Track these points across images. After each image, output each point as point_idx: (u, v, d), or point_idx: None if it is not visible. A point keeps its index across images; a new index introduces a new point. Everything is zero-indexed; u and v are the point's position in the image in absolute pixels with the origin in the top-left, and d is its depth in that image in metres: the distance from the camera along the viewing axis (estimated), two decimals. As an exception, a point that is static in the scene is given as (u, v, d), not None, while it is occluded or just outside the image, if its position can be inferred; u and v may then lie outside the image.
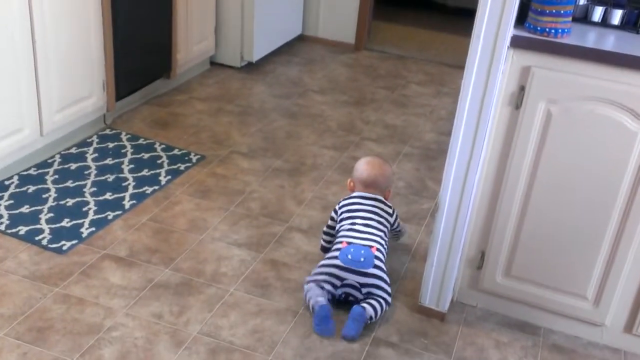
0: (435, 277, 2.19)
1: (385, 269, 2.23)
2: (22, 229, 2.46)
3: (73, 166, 2.91)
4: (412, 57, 4.80)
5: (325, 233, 2.45)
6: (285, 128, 3.54)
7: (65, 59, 2.87)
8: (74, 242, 2.42)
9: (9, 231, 2.44)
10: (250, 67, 4.28)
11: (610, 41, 2.00)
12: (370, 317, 2.15)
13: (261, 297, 2.27)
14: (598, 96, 1.91)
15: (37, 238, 2.42)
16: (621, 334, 2.16)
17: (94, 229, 2.51)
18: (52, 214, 2.56)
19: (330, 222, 2.44)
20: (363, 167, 2.45)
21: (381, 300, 2.18)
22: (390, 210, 2.40)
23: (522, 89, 1.99)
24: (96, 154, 3.03)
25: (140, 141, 3.20)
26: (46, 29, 2.73)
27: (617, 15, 2.07)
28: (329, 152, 3.32)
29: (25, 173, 2.81)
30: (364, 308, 2.13)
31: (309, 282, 2.23)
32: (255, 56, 4.22)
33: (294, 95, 3.97)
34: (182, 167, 3.01)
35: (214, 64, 4.25)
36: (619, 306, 2.10)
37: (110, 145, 3.12)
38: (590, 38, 2.01)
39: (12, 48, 2.59)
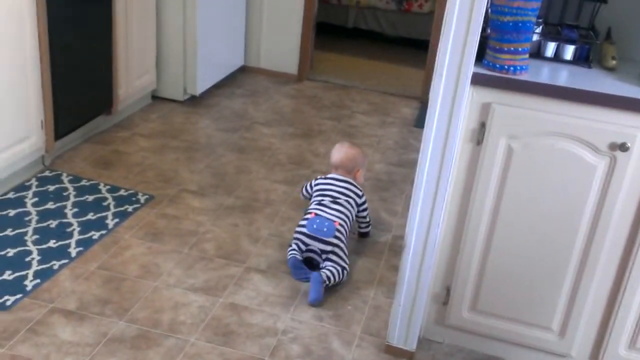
0: (402, 316, 2.16)
1: (345, 242, 2.58)
2: (-40, 285, 2.28)
3: (12, 213, 2.73)
4: (355, 86, 4.83)
5: (303, 193, 2.89)
6: (234, 163, 3.46)
7: (0, 98, 2.71)
8: (18, 296, 2.26)
9: (-56, 288, 2.26)
10: (194, 101, 4.19)
11: (564, 76, 2.04)
12: (328, 278, 2.46)
13: (224, 346, 2.17)
14: (558, 131, 1.94)
15: (-24, 294, 2.25)
16: (586, 364, 2.18)
17: (39, 280, 2.35)
18: (-9, 267, 2.39)
19: (305, 189, 2.86)
20: (333, 152, 2.85)
21: (337, 267, 2.51)
22: (360, 192, 2.76)
23: (482, 125, 2.00)
24: (36, 198, 2.86)
25: (83, 182, 3.04)
26: (-20, 68, 2.57)
27: (569, 51, 2.12)
28: (281, 187, 3.27)
29: (-41, 222, 2.62)
30: (320, 274, 2.45)
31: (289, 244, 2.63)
32: (199, 89, 4.14)
33: (240, 128, 3.90)
34: (130, 208, 2.88)
35: (155, 97, 4.14)
36: (584, 336, 2.13)
37: (51, 188, 2.96)
38: (545, 74, 2.04)
39: (-57, 89, 2.42)
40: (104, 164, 3.27)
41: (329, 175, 2.79)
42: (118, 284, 2.41)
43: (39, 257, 2.47)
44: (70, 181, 3.04)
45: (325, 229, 2.54)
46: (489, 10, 1.97)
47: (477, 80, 1.95)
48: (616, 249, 2.01)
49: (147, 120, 3.85)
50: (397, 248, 2.84)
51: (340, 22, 5.95)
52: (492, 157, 2.01)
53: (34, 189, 2.93)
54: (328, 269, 2.49)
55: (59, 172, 3.11)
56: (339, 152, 2.81)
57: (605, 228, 1.98)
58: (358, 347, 2.24)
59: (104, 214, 2.81)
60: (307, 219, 2.59)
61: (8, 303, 2.22)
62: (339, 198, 2.67)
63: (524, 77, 1.96)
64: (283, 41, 4.78)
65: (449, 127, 1.93)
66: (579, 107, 1.92)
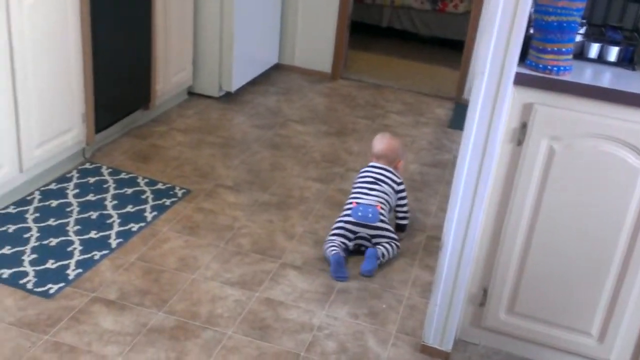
0: (439, 316, 2.16)
1: (388, 222, 2.71)
2: (5, 272, 2.34)
3: (54, 203, 2.80)
4: (389, 86, 4.83)
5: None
6: (269, 160, 3.49)
7: (45, 91, 2.77)
8: (60, 285, 2.31)
9: (-10, 275, 2.32)
10: (229, 97, 4.23)
11: (608, 78, 2.02)
12: (383, 255, 2.60)
13: (261, 340, 2.20)
14: (600, 133, 1.92)
15: (21, 282, 2.30)
16: (625, 369, 2.15)
17: (80, 270, 2.40)
18: (35, 255, 2.45)
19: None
20: (375, 142, 2.94)
21: (390, 245, 2.65)
22: (398, 180, 2.84)
23: (524, 125, 1.99)
24: (77, 190, 2.92)
25: (122, 175, 3.10)
26: (26, 61, 2.63)
27: (613, 52, 2.10)
28: (315, 185, 3.28)
29: (3, 212, 2.69)
30: (376, 249, 2.59)
31: (327, 239, 2.67)
32: (234, 86, 4.17)
33: (274, 125, 3.93)
34: (168, 202, 2.93)
35: (191, 94, 4.19)
36: (623, 342, 2.10)
37: (91, 180, 3.02)
38: (588, 75, 2.03)
39: (-8, 82, 2.49)
40: (142, 157, 3.33)
41: (369, 164, 2.89)
42: (157, 275, 2.45)
43: (80, 247, 2.53)
44: (109, 174, 3.09)
45: (370, 215, 2.64)
46: (533, 10, 1.96)
47: (520, 80, 1.94)
48: (658, 254, 1.98)
49: (183, 115, 3.90)
50: (431, 248, 2.84)
51: (375, 21, 5.95)
52: (532, 158, 2.00)
53: (75, 180, 3.00)
54: (383, 246, 2.62)
55: (99, 165, 3.17)
56: (381, 142, 2.90)
57: (648, 232, 1.96)
58: (393, 345, 2.25)
59: (142, 206, 2.86)
60: (349, 209, 2.68)
61: (51, 291, 2.28)
62: (376, 183, 2.76)
63: (567, 77, 1.94)
64: (318, 40, 4.80)
65: (489, 126, 1.93)
66: (622, 109, 1.90)
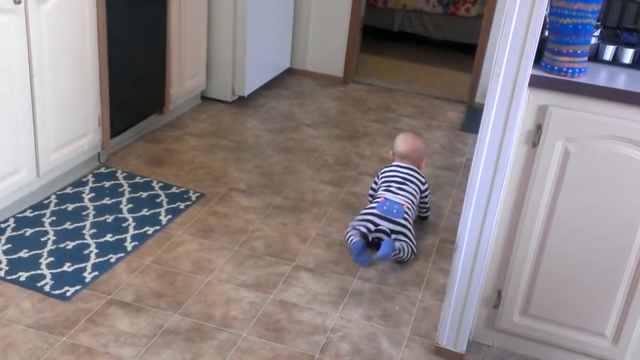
0: (453, 317, 2.16)
1: (412, 224, 2.77)
2: (23, 275, 2.36)
3: (70, 207, 2.83)
4: (400, 89, 4.84)
5: (369, 195, 3.01)
6: (281, 163, 3.50)
7: (62, 96, 2.81)
8: (77, 287, 2.34)
9: (8, 277, 2.34)
10: (242, 102, 4.26)
11: (623, 80, 2.02)
12: (399, 250, 2.64)
13: (275, 342, 2.21)
14: (616, 134, 1.92)
15: (38, 284, 2.32)
16: (640, 372, 2.15)
17: (97, 273, 2.43)
18: (52, 258, 2.47)
19: (372, 188, 2.99)
20: (399, 142, 3.02)
21: (407, 246, 2.68)
22: (423, 179, 2.95)
23: (539, 127, 1.99)
24: (93, 194, 2.95)
25: (137, 179, 3.13)
26: (44, 66, 2.67)
27: (628, 54, 2.10)
28: (327, 188, 3.29)
29: (21, 215, 2.72)
30: (393, 241, 2.64)
31: (349, 226, 2.77)
32: (247, 90, 4.20)
33: (287, 129, 3.95)
34: (182, 205, 2.95)
35: (204, 98, 4.21)
36: (638, 344, 2.09)
37: (107, 184, 3.05)
38: (603, 77, 2.03)
39: (9, 87, 2.52)
40: (157, 162, 3.35)
41: (394, 163, 2.97)
42: (172, 278, 2.47)
43: (96, 250, 2.55)
44: (124, 178, 3.12)
45: (395, 211, 2.72)
46: (548, 12, 1.96)
47: (535, 82, 1.94)
48: (674, 256, 1.98)
49: (196, 120, 3.92)
50: (444, 250, 2.84)
51: (387, 25, 5.96)
52: (547, 160, 2.00)
53: (90, 184, 3.03)
54: (400, 242, 2.66)
55: (114, 169, 3.19)
56: (405, 142, 3.00)
57: (664, 234, 1.96)
58: (407, 347, 2.25)
59: (157, 210, 2.88)
60: (377, 202, 2.79)
61: (68, 294, 2.30)
62: (404, 184, 2.85)
63: (582, 79, 1.94)
64: (329, 44, 4.82)
65: (505, 128, 1.93)
66: (637, 110, 1.89)
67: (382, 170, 2.96)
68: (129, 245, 2.61)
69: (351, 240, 2.68)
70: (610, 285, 2.06)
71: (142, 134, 3.61)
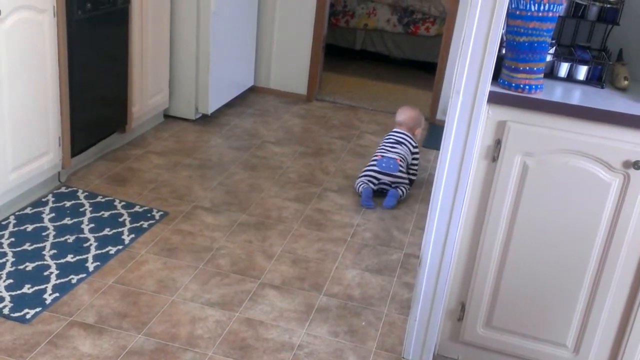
0: (418, 331, 2.18)
1: (405, 172, 3.47)
2: (-20, 298, 2.30)
3: (29, 227, 2.77)
4: (363, 107, 4.89)
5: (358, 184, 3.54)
6: (246, 181, 3.50)
7: (21, 115, 2.76)
8: (37, 309, 2.28)
9: (-35, 301, 2.28)
10: (205, 120, 4.25)
11: (578, 95, 2.09)
12: (400, 195, 3.41)
13: (241, 360, 2.19)
14: (572, 148, 1.98)
15: (-3, 307, 2.27)
16: (600, 380, 2.19)
17: (57, 294, 2.38)
18: (11, 280, 2.41)
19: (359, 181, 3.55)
20: (397, 113, 3.76)
21: (405, 189, 3.45)
22: (414, 143, 3.62)
23: (498, 142, 2.03)
24: (53, 214, 2.90)
25: (99, 199, 3.08)
26: (2, 84, 2.62)
27: (582, 71, 2.17)
28: (292, 205, 3.30)
29: (-22, 236, 2.65)
30: (396, 190, 3.41)
31: (357, 180, 3.46)
32: (210, 108, 4.19)
33: (251, 147, 3.95)
34: (145, 224, 2.91)
35: (167, 117, 4.19)
36: (598, 353, 2.14)
37: (67, 204, 3.00)
38: (559, 93, 2.09)
39: (-33, 106, 2.47)
40: (119, 180, 3.31)
41: (393, 130, 3.66)
42: (135, 298, 2.43)
43: (57, 272, 2.50)
44: (86, 197, 3.07)
45: (391, 166, 3.42)
46: (505, 31, 2.02)
47: (494, 99, 1.99)
48: (630, 266, 2.03)
49: (159, 138, 3.89)
50: (408, 266, 2.87)
51: (349, 44, 6.03)
52: (507, 174, 2.05)
53: (50, 204, 2.97)
54: (400, 189, 3.42)
55: (75, 189, 3.14)
56: (403, 113, 3.72)
57: (620, 245, 2.01)
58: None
59: (120, 229, 2.84)
60: (375, 160, 3.47)
61: (28, 316, 2.25)
62: (398, 143, 3.54)
63: (539, 95, 2.00)
64: (293, 62, 4.85)
65: (465, 143, 1.97)
66: (593, 125, 1.96)
67: (384, 137, 3.65)
68: (90, 266, 2.57)
69: (361, 187, 3.37)
70: (569, 297, 2.11)
71: (104, 152, 3.56)
